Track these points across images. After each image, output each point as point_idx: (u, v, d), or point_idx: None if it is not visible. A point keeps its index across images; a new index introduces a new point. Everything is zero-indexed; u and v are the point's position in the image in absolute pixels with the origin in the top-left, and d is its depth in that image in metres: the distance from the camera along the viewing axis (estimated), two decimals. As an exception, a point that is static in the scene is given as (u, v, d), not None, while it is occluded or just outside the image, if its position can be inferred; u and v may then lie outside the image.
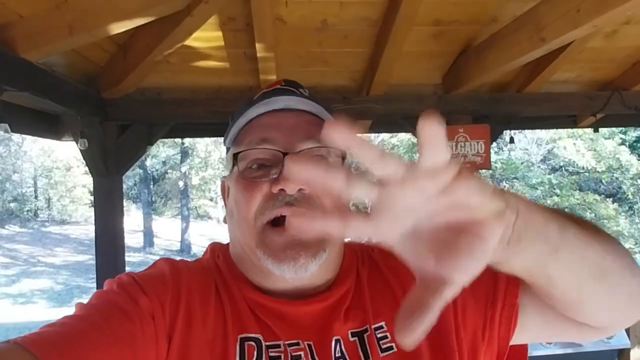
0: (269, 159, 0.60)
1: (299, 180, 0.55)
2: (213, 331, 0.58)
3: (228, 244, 0.70)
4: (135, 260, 12.28)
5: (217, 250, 0.70)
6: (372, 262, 0.69)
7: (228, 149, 0.67)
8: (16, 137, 15.93)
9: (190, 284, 0.61)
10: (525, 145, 10.43)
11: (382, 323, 0.62)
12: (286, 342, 0.58)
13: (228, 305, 0.60)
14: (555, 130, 9.28)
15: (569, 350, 3.26)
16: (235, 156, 0.62)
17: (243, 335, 0.58)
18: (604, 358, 3.42)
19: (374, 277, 0.67)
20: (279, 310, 0.61)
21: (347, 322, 0.61)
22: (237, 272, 0.65)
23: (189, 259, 0.73)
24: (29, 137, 16.02)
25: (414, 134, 3.16)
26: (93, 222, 2.81)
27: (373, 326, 0.61)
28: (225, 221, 0.68)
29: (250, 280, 0.63)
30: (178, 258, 0.70)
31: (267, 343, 0.58)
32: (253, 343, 0.57)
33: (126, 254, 3.02)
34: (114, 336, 0.51)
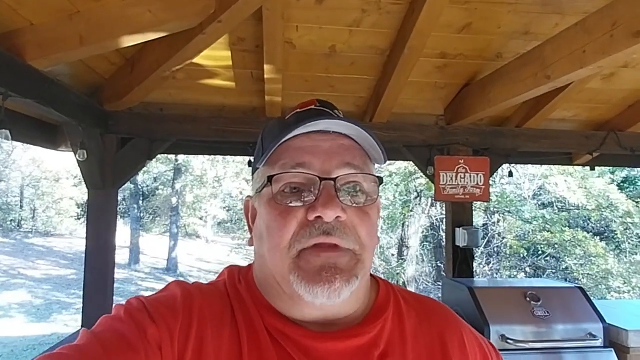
0: (303, 183, 0.58)
1: (337, 208, 0.54)
2: None
3: (249, 267, 0.67)
4: (120, 277, 11.95)
5: (236, 273, 0.65)
6: (430, 324, 0.65)
7: (255, 170, 0.65)
8: (6, 145, 15.74)
9: (203, 311, 0.57)
10: (517, 180, 10.57)
11: None
12: None
13: (245, 335, 0.56)
14: (547, 166, 9.43)
15: None
16: (270, 178, 0.59)
17: None
18: None
19: (425, 337, 0.63)
20: (304, 343, 0.56)
21: None
22: (260, 299, 0.61)
23: (203, 281, 0.69)
24: (19, 146, 15.84)
25: (415, 162, 3.17)
26: (78, 235, 2.76)
27: None
28: (250, 244, 0.64)
29: (275, 308, 0.60)
30: (170, 278, 0.65)
31: None
32: None
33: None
34: None
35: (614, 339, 2.18)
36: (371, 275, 0.70)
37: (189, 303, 0.58)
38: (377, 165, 0.66)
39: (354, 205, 0.58)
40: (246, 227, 0.80)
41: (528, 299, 2.26)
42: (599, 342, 2.13)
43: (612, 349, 2.13)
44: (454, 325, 0.67)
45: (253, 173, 0.66)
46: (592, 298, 2.34)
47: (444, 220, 3.59)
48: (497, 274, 10.36)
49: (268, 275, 0.61)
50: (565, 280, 9.54)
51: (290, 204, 0.57)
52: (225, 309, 0.59)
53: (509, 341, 2.08)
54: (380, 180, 0.61)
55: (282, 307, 0.59)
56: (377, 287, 0.68)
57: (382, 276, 0.74)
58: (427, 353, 0.61)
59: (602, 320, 2.18)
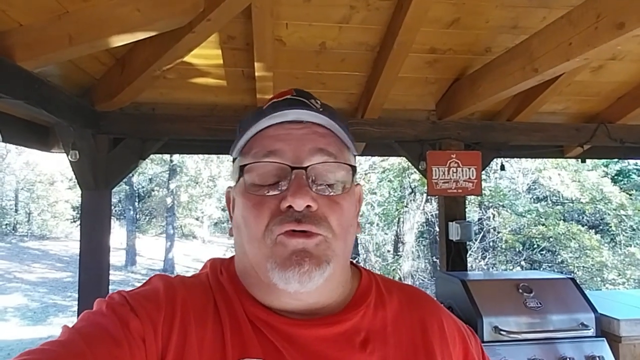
0: (276, 172, 0.58)
1: (307, 197, 0.55)
2: (210, 354, 0.54)
3: (230, 258, 0.67)
4: (116, 279, 11.93)
5: (218, 265, 0.66)
6: (411, 311, 0.66)
7: (235, 159, 0.65)
8: (0, 149, 15.63)
9: (186, 303, 0.57)
10: (511, 175, 10.63)
11: None
12: None
13: (228, 325, 0.57)
14: (540, 160, 9.49)
15: None
16: (242, 168, 0.60)
17: None
18: None
19: (406, 323, 0.64)
20: (287, 331, 0.57)
21: (363, 353, 0.58)
22: (241, 289, 0.61)
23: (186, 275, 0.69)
24: (13, 150, 15.74)
25: (407, 158, 3.19)
26: (74, 238, 2.76)
27: None
28: (231, 234, 0.65)
29: (256, 299, 0.60)
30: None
31: None
32: None
33: (108, 271, 2.93)
34: None
35: (605, 328, 2.20)
36: (353, 264, 0.71)
37: (171, 295, 0.58)
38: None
39: (326, 194, 0.58)
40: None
41: (520, 290, 2.29)
42: (591, 332, 2.15)
43: (604, 338, 2.15)
44: (434, 311, 0.68)
45: (233, 164, 0.66)
46: (583, 289, 2.36)
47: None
48: (492, 268, 10.42)
49: (247, 265, 0.61)
50: (561, 273, 9.62)
51: (265, 194, 0.57)
52: (207, 301, 0.59)
53: (501, 332, 2.10)
54: (354, 169, 0.61)
55: (263, 297, 0.60)
56: (359, 276, 0.69)
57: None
58: (408, 338, 0.63)
59: (594, 310, 2.20)
